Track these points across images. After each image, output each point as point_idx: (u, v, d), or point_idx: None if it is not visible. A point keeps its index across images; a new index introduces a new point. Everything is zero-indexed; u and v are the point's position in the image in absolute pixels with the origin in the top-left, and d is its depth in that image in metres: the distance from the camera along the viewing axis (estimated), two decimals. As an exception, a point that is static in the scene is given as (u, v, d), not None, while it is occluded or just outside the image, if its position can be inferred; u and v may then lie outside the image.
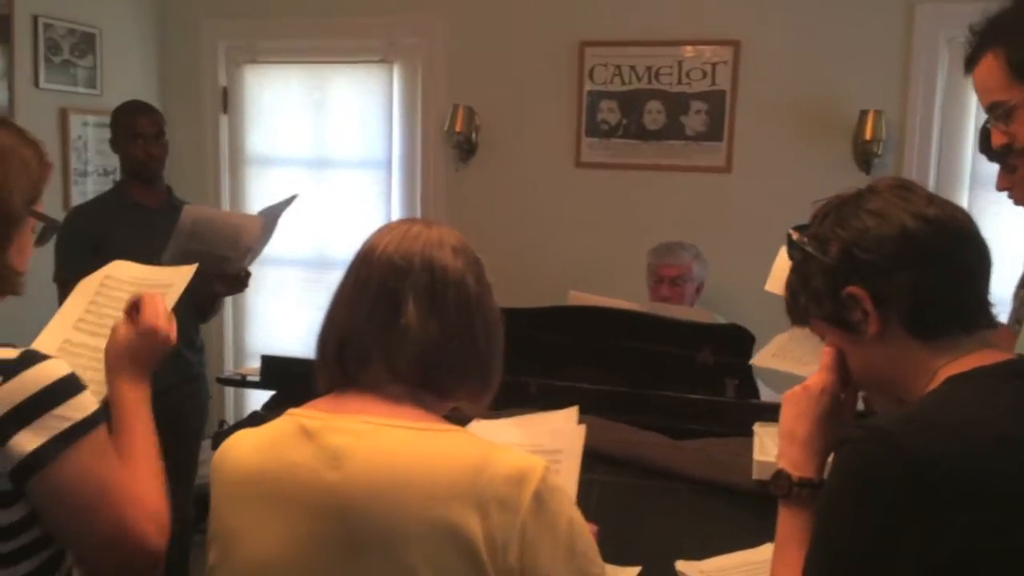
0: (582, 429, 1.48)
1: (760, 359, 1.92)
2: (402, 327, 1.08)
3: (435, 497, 0.99)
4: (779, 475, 1.11)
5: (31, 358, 1.09)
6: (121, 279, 1.49)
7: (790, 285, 1.16)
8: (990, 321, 1.08)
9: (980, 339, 1.07)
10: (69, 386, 1.10)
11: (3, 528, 1.09)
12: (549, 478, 1.03)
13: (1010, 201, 1.72)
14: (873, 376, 1.11)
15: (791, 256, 1.16)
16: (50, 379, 1.08)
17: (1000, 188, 1.66)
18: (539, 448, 1.43)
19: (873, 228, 1.05)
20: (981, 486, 0.92)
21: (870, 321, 1.06)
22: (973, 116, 3.34)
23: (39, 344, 1.32)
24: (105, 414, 1.15)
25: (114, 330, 1.32)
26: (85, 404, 1.11)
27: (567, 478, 1.39)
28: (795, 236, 1.14)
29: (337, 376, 1.13)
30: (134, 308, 1.33)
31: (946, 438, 0.94)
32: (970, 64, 1.32)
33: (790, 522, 1.09)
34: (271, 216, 2.82)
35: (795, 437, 1.13)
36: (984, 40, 1.28)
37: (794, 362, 1.83)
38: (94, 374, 1.32)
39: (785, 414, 1.15)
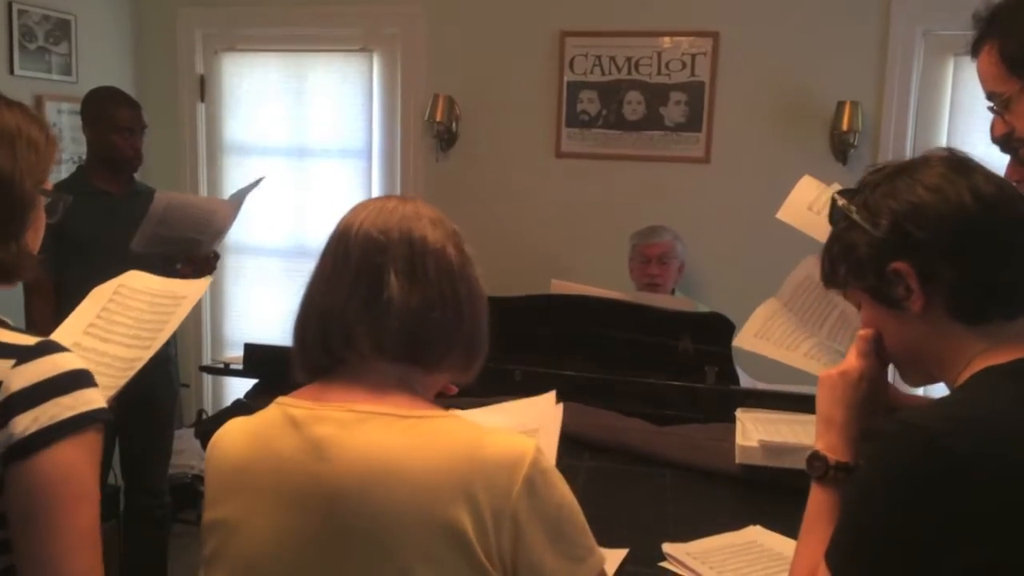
0: (560, 408, 1.52)
1: (743, 339, 1.91)
2: (384, 301, 1.06)
3: (423, 487, 0.98)
4: (816, 457, 1.10)
5: (48, 347, 1.09)
6: (135, 288, 1.50)
7: (829, 252, 1.11)
8: None
9: (1023, 327, 1.02)
10: (80, 379, 1.09)
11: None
12: (540, 461, 1.02)
13: None
14: (908, 352, 1.08)
15: (833, 222, 1.10)
16: (62, 369, 1.08)
17: (1010, 179, 1.66)
18: (521, 427, 1.45)
19: (930, 204, 1.00)
20: (1020, 486, 0.88)
21: (913, 298, 1.02)
22: (948, 108, 3.39)
23: None
24: (108, 415, 1.13)
25: None
26: (92, 399, 1.10)
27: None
28: (841, 202, 1.08)
29: (320, 358, 1.11)
30: None
31: (985, 437, 0.91)
32: (973, 52, 1.33)
33: (822, 501, 1.09)
34: (240, 199, 2.84)
35: (833, 422, 1.11)
36: (984, 31, 1.30)
37: (776, 345, 1.84)
38: (101, 379, 1.31)
39: (822, 398, 1.14)
